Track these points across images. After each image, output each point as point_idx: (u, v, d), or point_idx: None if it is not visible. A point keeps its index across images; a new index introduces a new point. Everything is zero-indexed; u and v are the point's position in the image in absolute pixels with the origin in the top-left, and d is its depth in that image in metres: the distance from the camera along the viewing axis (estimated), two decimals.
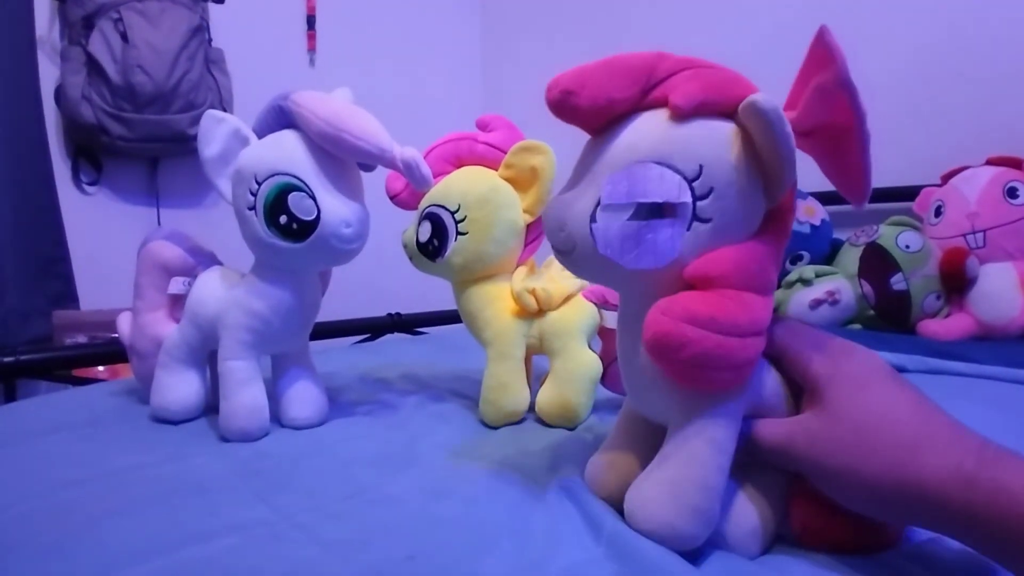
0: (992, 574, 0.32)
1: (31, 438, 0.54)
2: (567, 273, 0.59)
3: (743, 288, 0.32)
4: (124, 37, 1.25)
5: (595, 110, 0.33)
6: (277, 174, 0.50)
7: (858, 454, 0.32)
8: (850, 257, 1.09)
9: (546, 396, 0.57)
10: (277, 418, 0.56)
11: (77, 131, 1.30)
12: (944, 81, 1.23)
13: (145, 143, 1.32)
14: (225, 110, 1.32)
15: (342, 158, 0.51)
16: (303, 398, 0.57)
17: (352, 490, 0.43)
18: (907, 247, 0.99)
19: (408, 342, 1.15)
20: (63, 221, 1.26)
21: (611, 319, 0.55)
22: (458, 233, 0.57)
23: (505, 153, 0.59)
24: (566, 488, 0.41)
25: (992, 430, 0.32)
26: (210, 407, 0.58)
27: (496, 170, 0.59)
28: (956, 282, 0.98)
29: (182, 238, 0.60)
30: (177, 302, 0.60)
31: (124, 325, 0.62)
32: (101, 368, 1.09)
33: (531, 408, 0.59)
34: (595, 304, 0.57)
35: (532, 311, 0.57)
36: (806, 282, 1.07)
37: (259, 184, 0.50)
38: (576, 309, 0.58)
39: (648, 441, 0.38)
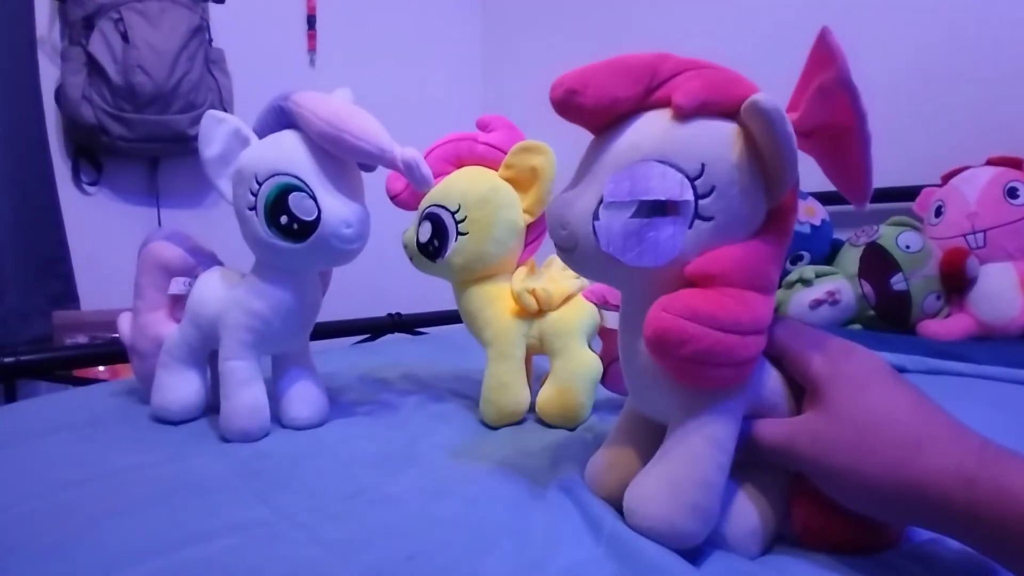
0: (992, 574, 0.32)
1: (31, 438, 0.54)
2: (567, 273, 0.59)
3: (744, 286, 0.33)
4: (124, 37, 1.25)
5: (598, 109, 0.34)
6: (277, 174, 0.50)
7: (859, 454, 0.32)
8: (850, 257, 1.09)
9: (546, 396, 0.57)
10: (277, 418, 0.56)
11: (77, 131, 1.31)
12: (944, 81, 1.23)
13: (145, 143, 1.32)
14: (225, 110, 1.31)
15: (342, 158, 0.51)
16: (303, 398, 0.57)
17: (352, 490, 0.43)
18: (907, 247, 0.99)
19: (408, 342, 1.15)
20: (63, 221, 1.26)
21: (611, 319, 0.55)
22: (458, 233, 0.57)
23: (505, 153, 0.59)
24: (566, 488, 0.41)
25: (992, 430, 0.32)
26: (210, 407, 0.58)
27: (496, 170, 0.59)
28: (956, 282, 0.98)
29: (183, 238, 0.60)
30: (178, 302, 0.60)
31: (124, 325, 0.62)
32: (101, 368, 1.09)
33: (531, 408, 0.59)
34: (595, 304, 0.57)
35: (532, 311, 0.57)
36: (806, 282, 1.07)
37: (260, 184, 0.50)
38: (576, 309, 0.58)
39: (649, 441, 0.38)
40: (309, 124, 0.50)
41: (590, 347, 0.58)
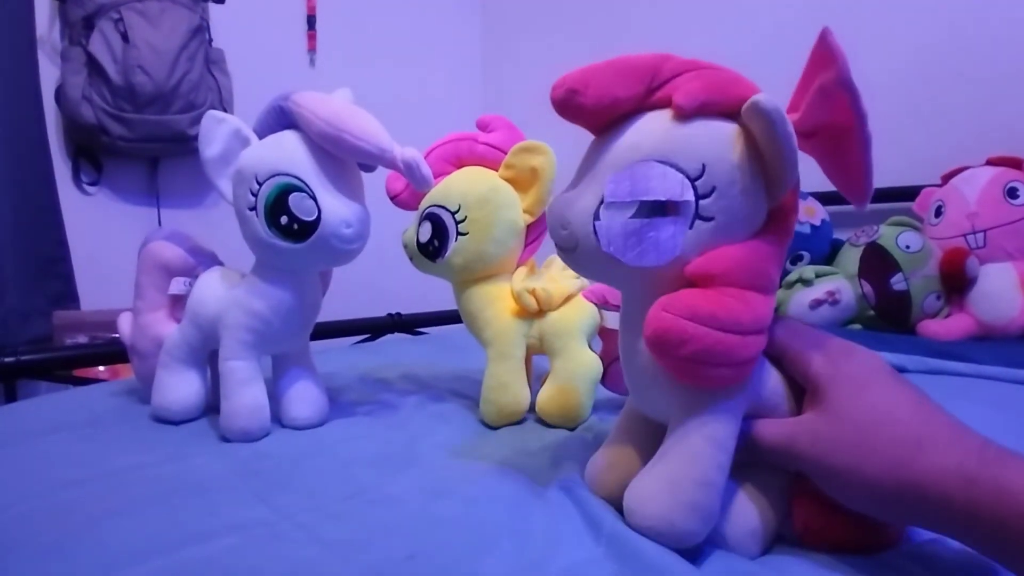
0: (993, 574, 0.32)
1: (31, 438, 0.54)
2: (567, 273, 0.59)
3: (745, 286, 0.33)
4: (124, 37, 1.25)
5: (599, 109, 0.34)
6: (278, 174, 0.50)
7: (859, 454, 0.32)
8: (850, 257, 1.09)
9: (546, 396, 0.57)
10: (277, 418, 0.56)
11: (77, 131, 1.31)
12: (944, 81, 1.23)
13: (145, 143, 1.32)
14: (225, 110, 1.31)
15: (342, 158, 0.51)
16: (303, 398, 0.57)
17: (352, 490, 0.43)
18: (907, 247, 0.99)
19: (408, 342, 1.15)
20: (63, 221, 1.26)
21: (611, 319, 0.55)
22: (458, 233, 0.57)
23: (505, 153, 0.59)
24: (566, 488, 0.41)
25: (992, 430, 0.32)
26: (211, 407, 0.58)
27: (496, 170, 0.59)
28: (956, 282, 0.98)
29: (183, 238, 0.60)
30: (178, 302, 0.60)
31: (125, 325, 0.62)
32: (102, 368, 1.09)
33: (531, 408, 0.59)
34: (595, 304, 0.57)
35: (532, 311, 0.57)
36: (806, 282, 1.07)
37: (260, 184, 0.50)
38: (576, 309, 0.58)
39: (649, 441, 0.38)
40: (309, 124, 0.50)
41: (590, 347, 0.58)
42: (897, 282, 0.98)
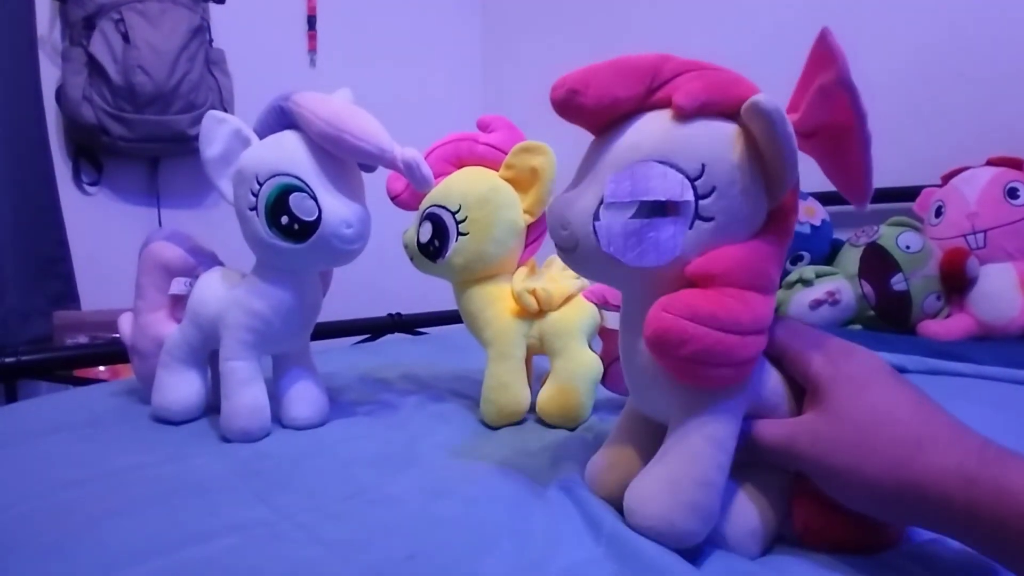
0: (993, 574, 0.32)
1: (32, 438, 0.54)
2: (568, 273, 0.59)
3: (745, 286, 0.33)
4: (125, 37, 1.26)
5: (600, 109, 0.34)
6: (278, 175, 0.50)
7: (859, 454, 0.32)
8: (850, 257, 1.09)
9: (547, 396, 0.57)
10: (278, 418, 0.56)
11: (78, 131, 1.31)
12: (944, 81, 1.23)
13: (146, 143, 1.32)
14: (226, 110, 1.31)
15: (343, 159, 0.51)
16: (304, 398, 0.57)
17: (352, 490, 0.43)
18: (907, 247, 0.99)
19: (408, 342, 1.15)
20: (64, 221, 1.26)
21: (611, 319, 0.55)
22: (459, 233, 0.57)
23: (506, 154, 0.59)
24: (566, 488, 0.41)
25: (992, 430, 0.32)
26: (211, 407, 0.58)
27: (497, 171, 0.60)
28: (956, 282, 0.98)
29: (183, 238, 0.60)
30: (178, 302, 0.60)
31: (125, 325, 0.63)
32: (102, 368, 1.09)
33: (531, 408, 0.59)
34: (595, 304, 0.57)
35: (533, 311, 0.57)
36: (806, 282, 1.07)
37: (260, 184, 0.50)
38: (576, 309, 0.58)
39: (649, 441, 0.38)
40: (309, 124, 0.50)
41: (590, 347, 0.58)
42: (897, 282, 0.98)
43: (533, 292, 0.57)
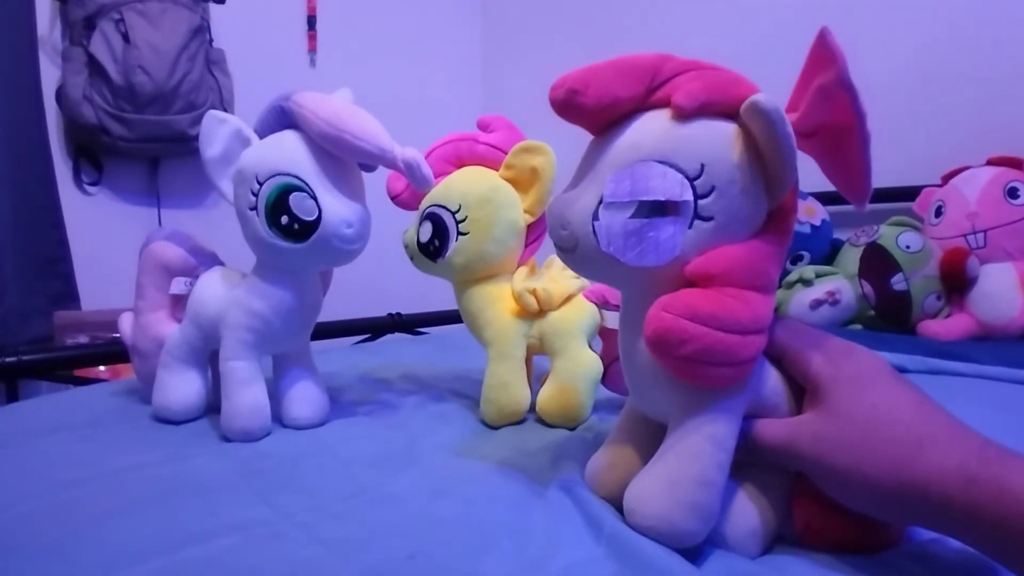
0: (993, 574, 0.32)
1: (32, 438, 0.54)
2: (568, 273, 0.59)
3: (745, 286, 0.33)
4: (125, 38, 1.26)
5: (599, 109, 0.34)
6: (278, 174, 0.50)
7: (860, 453, 0.32)
8: (850, 257, 1.09)
9: (547, 396, 0.57)
10: (278, 418, 0.56)
11: (78, 131, 1.31)
12: (944, 81, 1.23)
13: (146, 143, 1.32)
14: (226, 110, 1.31)
15: (343, 158, 0.51)
16: (304, 398, 0.57)
17: (353, 490, 0.43)
18: (907, 247, 0.99)
19: (408, 342, 1.15)
20: (64, 221, 1.26)
21: (611, 319, 0.55)
22: (459, 233, 0.57)
23: (506, 153, 0.59)
24: (566, 487, 0.41)
25: (992, 430, 0.31)
26: (211, 407, 0.58)
27: (497, 170, 0.60)
28: (956, 282, 0.98)
29: (183, 238, 0.60)
30: (179, 302, 0.60)
31: (126, 325, 0.63)
32: (102, 368, 1.09)
33: (532, 408, 0.59)
34: (595, 304, 0.57)
35: (533, 311, 0.57)
36: (806, 282, 1.07)
37: (260, 184, 0.50)
38: (577, 309, 0.58)
39: (649, 441, 0.38)
40: (310, 124, 0.50)
41: (590, 347, 0.58)
42: (897, 282, 0.98)
43: (533, 292, 0.57)
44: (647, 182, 0.32)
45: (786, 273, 1.10)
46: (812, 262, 1.15)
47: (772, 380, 0.36)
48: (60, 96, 1.29)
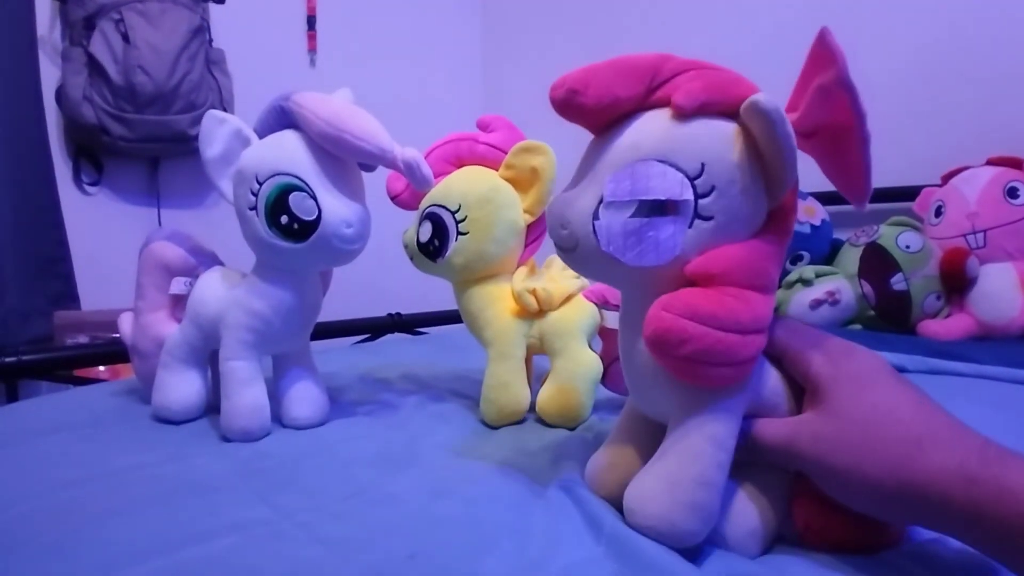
0: (993, 574, 0.32)
1: (32, 438, 0.54)
2: (567, 273, 0.59)
3: (745, 286, 0.33)
4: (125, 38, 1.26)
5: (600, 109, 0.34)
6: (278, 174, 0.50)
7: (860, 453, 0.32)
8: (850, 257, 1.09)
9: (547, 396, 0.57)
10: (278, 418, 0.56)
11: (78, 131, 1.31)
12: (944, 81, 1.23)
13: (146, 143, 1.32)
14: (226, 110, 1.31)
15: (343, 158, 0.51)
16: (304, 398, 0.57)
17: (353, 490, 0.43)
18: (907, 247, 0.99)
19: (408, 342, 1.15)
20: (64, 221, 1.26)
21: (611, 319, 0.55)
22: (459, 233, 0.57)
23: (506, 153, 0.59)
24: (566, 487, 0.41)
25: (992, 430, 0.31)
26: (211, 407, 0.58)
27: (497, 170, 0.60)
28: (956, 282, 0.98)
29: (183, 238, 0.60)
30: (178, 302, 0.60)
31: (125, 325, 0.63)
32: (102, 368, 1.09)
33: (532, 408, 0.59)
34: (595, 304, 0.57)
35: (533, 311, 0.57)
36: (806, 282, 1.07)
37: (260, 184, 0.50)
38: (576, 309, 0.58)
39: (649, 440, 0.38)
40: (310, 124, 0.50)
41: (590, 347, 0.58)
42: (897, 282, 0.98)
43: (533, 292, 0.57)
44: (647, 181, 0.32)
45: (786, 273, 1.10)
46: (812, 262, 1.15)
47: (772, 380, 0.36)
48: (60, 96, 1.29)
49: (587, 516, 0.37)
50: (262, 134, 0.53)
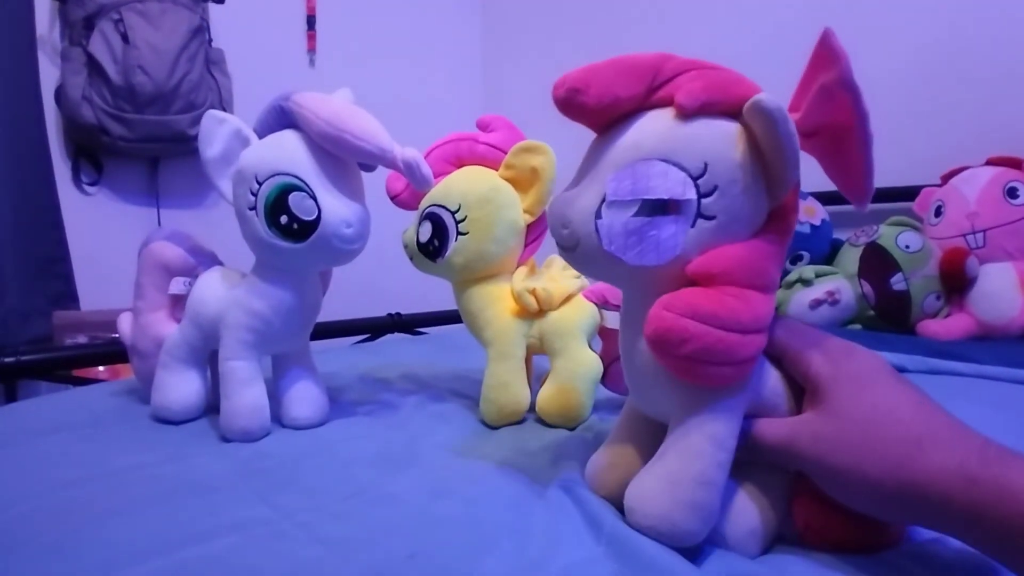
0: (994, 574, 0.32)
1: (32, 438, 0.54)
2: (568, 273, 0.59)
3: (745, 285, 0.33)
4: (125, 38, 1.26)
5: (601, 108, 0.34)
6: (278, 174, 0.50)
7: (860, 453, 0.32)
8: (850, 257, 1.09)
9: (547, 396, 0.57)
10: (278, 418, 0.56)
11: (77, 131, 1.31)
12: (944, 81, 1.23)
13: (145, 143, 1.32)
14: (225, 110, 1.31)
15: (343, 158, 0.51)
16: (304, 398, 0.57)
17: (353, 489, 0.43)
18: (907, 247, 0.99)
19: (408, 342, 1.15)
20: (63, 221, 1.26)
21: (611, 319, 0.55)
22: (459, 233, 0.57)
23: (505, 153, 0.59)
24: (566, 487, 0.41)
25: (992, 430, 0.31)
26: (211, 407, 0.58)
27: (497, 170, 0.60)
28: (956, 282, 0.98)
29: (183, 238, 0.60)
30: (178, 302, 0.60)
31: (125, 325, 0.63)
32: (102, 368, 1.09)
33: (531, 408, 0.59)
34: (595, 304, 0.57)
35: (532, 311, 0.57)
36: (806, 282, 1.07)
37: (260, 184, 0.50)
38: (576, 309, 0.58)
39: (649, 440, 0.38)
40: (310, 124, 0.50)
41: (590, 347, 0.58)
42: (897, 282, 0.98)
43: (533, 292, 0.57)
44: (649, 180, 0.32)
45: (786, 273, 1.10)
46: (812, 262, 1.15)
47: (772, 380, 0.36)
48: (59, 96, 1.28)
49: (587, 516, 0.37)
50: (262, 134, 0.53)
